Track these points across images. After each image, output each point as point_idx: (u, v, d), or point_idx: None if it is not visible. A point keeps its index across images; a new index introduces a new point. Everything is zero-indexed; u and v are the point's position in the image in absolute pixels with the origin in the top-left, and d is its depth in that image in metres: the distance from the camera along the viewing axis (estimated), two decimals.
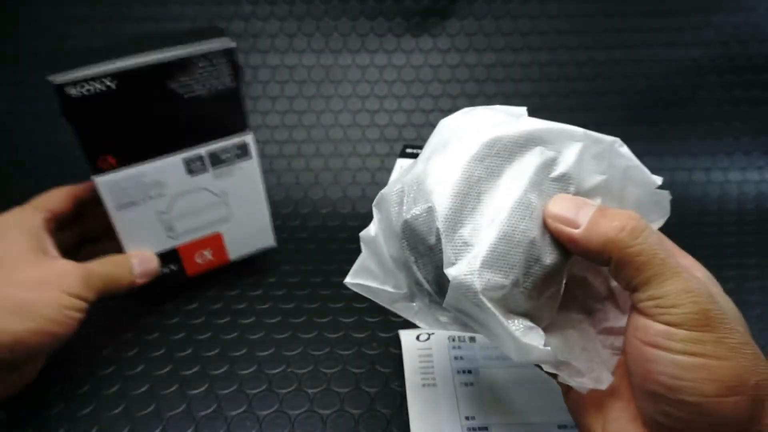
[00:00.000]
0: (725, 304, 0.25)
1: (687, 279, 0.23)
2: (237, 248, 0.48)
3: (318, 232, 0.58)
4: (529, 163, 0.26)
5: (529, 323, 0.25)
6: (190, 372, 0.41)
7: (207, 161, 0.43)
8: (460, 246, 0.25)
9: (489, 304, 0.24)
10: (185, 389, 0.40)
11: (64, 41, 0.64)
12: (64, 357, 0.41)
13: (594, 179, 0.27)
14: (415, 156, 0.54)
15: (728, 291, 0.51)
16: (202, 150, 0.42)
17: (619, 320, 0.30)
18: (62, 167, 0.63)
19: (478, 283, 0.24)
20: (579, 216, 0.25)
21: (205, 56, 0.39)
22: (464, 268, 0.24)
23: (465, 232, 0.25)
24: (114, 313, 0.47)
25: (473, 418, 0.36)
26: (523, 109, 0.28)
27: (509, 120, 0.27)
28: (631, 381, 0.26)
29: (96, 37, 0.64)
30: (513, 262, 0.25)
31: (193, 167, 0.43)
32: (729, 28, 0.63)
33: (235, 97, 0.42)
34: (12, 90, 0.64)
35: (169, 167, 0.42)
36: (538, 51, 0.65)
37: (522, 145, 0.26)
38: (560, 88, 0.65)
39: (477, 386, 0.38)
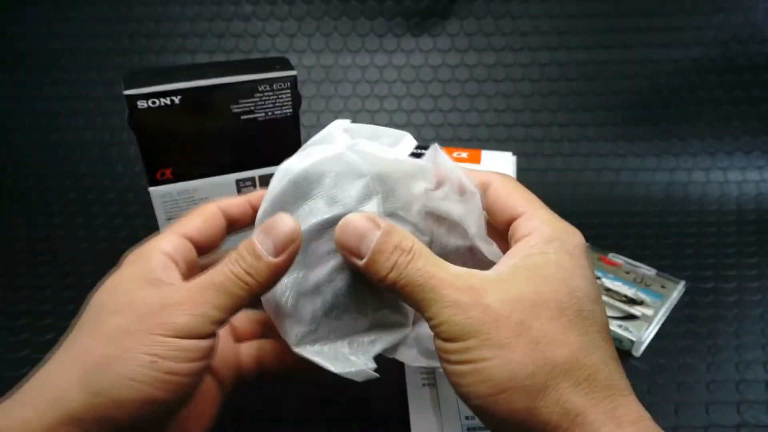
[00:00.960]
0: (514, 290, 0.24)
1: (447, 295, 0.24)
2: None
3: None
4: (310, 208, 0.28)
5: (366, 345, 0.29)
6: None
7: (257, 184, 0.44)
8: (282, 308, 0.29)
9: (309, 356, 0.28)
10: None
11: (64, 41, 0.64)
12: None
13: (358, 188, 0.27)
14: (415, 156, 0.54)
15: (728, 291, 0.50)
16: (255, 173, 0.43)
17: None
18: (62, 168, 0.63)
19: (293, 341, 0.29)
20: (362, 247, 0.26)
21: (267, 82, 0.40)
22: (289, 334, 0.29)
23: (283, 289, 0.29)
24: None
25: (473, 418, 0.36)
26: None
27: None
28: None
29: (96, 38, 0.64)
30: (311, 309, 0.28)
31: (243, 188, 0.44)
32: (729, 28, 0.63)
33: (292, 125, 0.43)
34: (12, 90, 0.64)
35: (220, 185, 0.43)
36: (538, 51, 0.65)
37: (305, 194, 0.28)
38: (560, 88, 0.65)
39: None
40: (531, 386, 0.23)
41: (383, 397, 0.39)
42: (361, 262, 0.25)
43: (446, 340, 0.24)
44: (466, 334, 0.23)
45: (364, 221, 0.26)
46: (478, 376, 0.23)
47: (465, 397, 0.24)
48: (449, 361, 0.24)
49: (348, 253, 0.26)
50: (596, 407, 0.22)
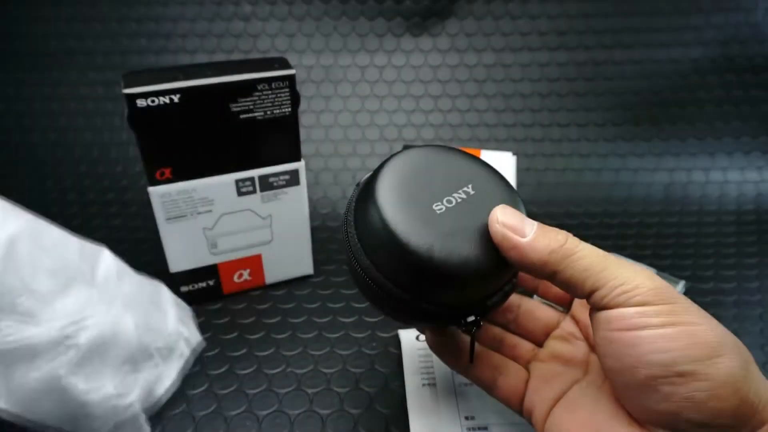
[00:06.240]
0: None
1: (629, 263, 0.25)
2: (275, 273, 0.49)
3: (318, 232, 0.58)
4: None
5: None
6: (191, 372, 0.41)
7: (257, 184, 0.44)
8: None
9: None
10: (185, 389, 0.40)
11: (64, 41, 0.64)
12: None
13: None
14: None
15: (728, 291, 0.50)
16: (254, 173, 0.43)
17: None
18: (62, 168, 0.63)
19: None
20: (525, 227, 0.26)
21: (266, 81, 0.40)
22: None
23: None
24: None
25: (473, 418, 0.36)
26: None
27: None
28: (617, 385, 0.25)
29: (96, 38, 0.64)
30: None
31: (242, 188, 0.43)
32: (729, 28, 0.63)
33: (290, 124, 0.43)
34: (12, 90, 0.64)
35: (220, 185, 0.43)
36: (538, 51, 0.65)
37: None
38: (560, 88, 0.65)
39: (477, 386, 0.38)
40: (739, 354, 0.23)
41: (383, 397, 0.39)
42: (525, 239, 0.26)
43: (645, 303, 0.23)
44: (668, 296, 0.23)
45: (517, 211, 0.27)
46: (692, 338, 0.22)
47: (674, 363, 0.22)
48: (652, 326, 0.23)
49: (511, 230, 0.26)
50: None
